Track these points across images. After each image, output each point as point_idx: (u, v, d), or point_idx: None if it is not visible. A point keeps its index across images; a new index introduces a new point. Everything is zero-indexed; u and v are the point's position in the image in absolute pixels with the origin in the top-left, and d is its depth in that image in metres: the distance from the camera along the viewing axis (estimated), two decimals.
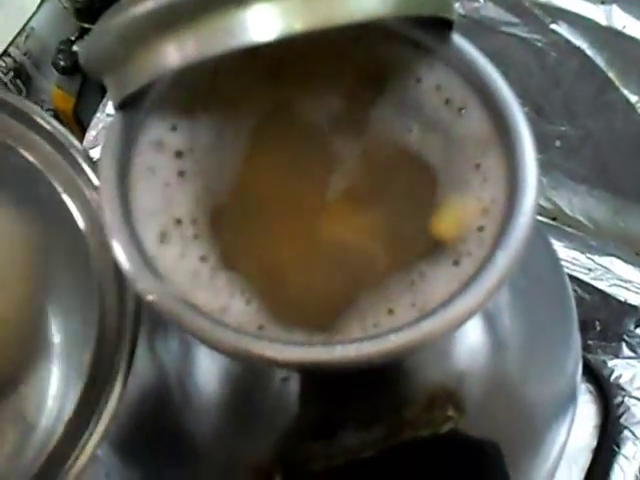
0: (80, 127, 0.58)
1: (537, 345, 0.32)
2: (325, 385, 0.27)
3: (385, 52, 0.27)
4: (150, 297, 0.23)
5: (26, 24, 0.58)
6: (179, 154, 0.26)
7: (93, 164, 0.30)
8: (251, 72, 0.27)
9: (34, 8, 0.58)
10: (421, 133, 0.27)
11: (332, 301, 0.24)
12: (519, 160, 0.24)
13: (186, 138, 0.26)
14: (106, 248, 0.28)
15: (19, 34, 0.57)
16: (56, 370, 0.32)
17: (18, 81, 0.58)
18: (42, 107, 0.58)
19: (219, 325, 0.23)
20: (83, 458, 0.26)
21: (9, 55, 0.57)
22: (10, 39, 0.57)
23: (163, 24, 0.22)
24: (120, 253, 0.23)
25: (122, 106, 0.25)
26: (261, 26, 0.22)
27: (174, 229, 0.25)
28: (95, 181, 0.30)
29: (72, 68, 0.57)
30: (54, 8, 0.59)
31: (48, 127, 0.31)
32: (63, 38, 0.58)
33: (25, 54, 0.58)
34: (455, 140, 0.26)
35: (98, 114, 0.55)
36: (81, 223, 0.30)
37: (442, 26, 0.26)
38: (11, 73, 0.58)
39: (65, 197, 0.30)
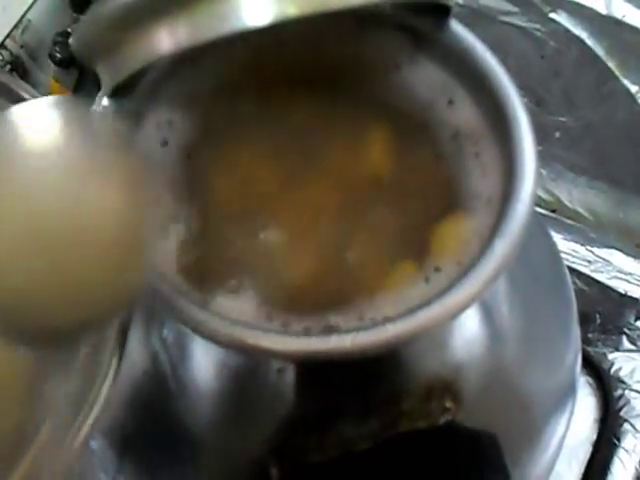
0: None
1: (536, 337, 0.32)
2: (321, 376, 0.26)
3: (369, 39, 0.27)
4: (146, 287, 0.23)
5: (23, 16, 0.57)
6: (172, 144, 0.26)
7: None
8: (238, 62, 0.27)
9: (31, 0, 0.57)
10: (410, 121, 0.26)
11: (330, 298, 0.24)
12: (517, 147, 0.24)
13: (179, 128, 0.26)
14: None
15: (16, 26, 0.57)
16: None
17: (15, 74, 0.58)
18: None
19: (214, 315, 0.23)
20: (74, 448, 0.26)
21: (6, 48, 0.57)
22: (7, 32, 0.57)
23: (155, 10, 0.22)
24: None
25: (114, 94, 0.25)
26: (254, 11, 0.21)
27: (169, 220, 0.25)
28: None
29: (68, 60, 0.56)
30: (51, 0, 0.59)
31: None
32: (60, 30, 0.57)
33: (22, 47, 0.58)
34: (450, 129, 0.26)
35: (94, 107, 0.54)
36: None
37: (439, 13, 0.26)
38: (8, 66, 0.57)
39: None
